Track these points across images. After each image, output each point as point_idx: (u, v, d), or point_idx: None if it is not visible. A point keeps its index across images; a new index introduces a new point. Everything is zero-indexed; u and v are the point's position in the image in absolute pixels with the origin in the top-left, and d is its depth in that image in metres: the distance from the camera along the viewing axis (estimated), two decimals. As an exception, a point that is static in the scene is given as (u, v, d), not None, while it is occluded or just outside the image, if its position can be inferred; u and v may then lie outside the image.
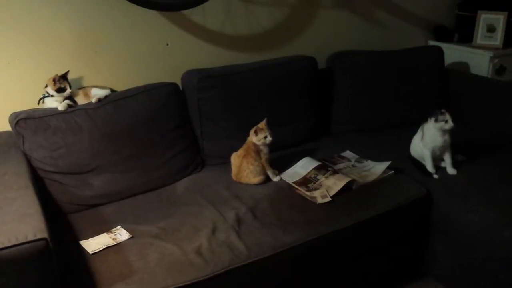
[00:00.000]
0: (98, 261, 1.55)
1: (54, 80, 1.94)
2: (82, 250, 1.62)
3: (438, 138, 2.06)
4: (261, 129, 2.02)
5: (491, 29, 2.94)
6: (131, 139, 2.01)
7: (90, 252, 1.59)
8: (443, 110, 2.04)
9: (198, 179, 2.12)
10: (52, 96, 1.96)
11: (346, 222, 1.80)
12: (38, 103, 1.99)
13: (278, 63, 2.41)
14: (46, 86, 1.97)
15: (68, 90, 1.97)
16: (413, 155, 2.20)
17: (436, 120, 2.05)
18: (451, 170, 2.10)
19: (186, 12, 2.29)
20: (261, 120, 2.06)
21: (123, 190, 1.98)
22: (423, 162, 2.13)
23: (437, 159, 2.13)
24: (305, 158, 2.17)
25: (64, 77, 1.97)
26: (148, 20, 2.23)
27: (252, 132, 2.05)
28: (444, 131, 2.04)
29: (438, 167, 2.13)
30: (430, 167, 2.09)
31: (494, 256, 1.81)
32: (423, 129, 2.12)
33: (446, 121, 2.02)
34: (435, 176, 2.08)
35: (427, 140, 2.08)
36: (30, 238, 1.29)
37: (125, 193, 1.98)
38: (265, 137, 2.02)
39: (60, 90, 1.95)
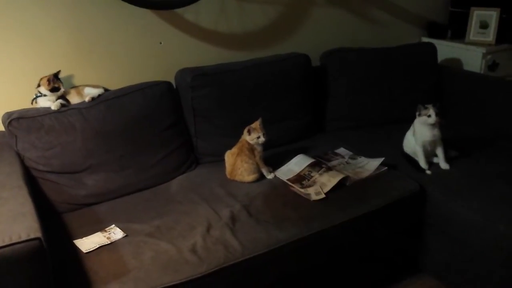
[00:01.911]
0: (92, 260, 1.55)
1: (48, 80, 1.94)
2: (76, 249, 1.61)
3: (426, 132, 2.07)
4: (254, 129, 2.03)
5: (484, 25, 2.95)
6: (125, 138, 2.01)
7: (84, 251, 1.59)
8: (427, 105, 2.05)
9: (192, 177, 2.12)
10: (44, 95, 1.95)
11: (340, 218, 1.81)
12: (32, 103, 1.99)
13: (272, 60, 2.41)
14: (39, 85, 1.96)
15: (62, 90, 1.96)
16: (406, 151, 2.21)
17: (419, 115, 2.06)
18: (444, 165, 2.11)
19: (179, 10, 2.28)
20: (255, 118, 2.06)
21: (117, 189, 1.97)
22: (416, 158, 2.14)
23: (429, 155, 2.13)
24: (299, 155, 2.18)
25: (56, 76, 1.97)
26: (141, 19, 2.22)
27: (245, 131, 2.05)
28: (432, 126, 2.05)
29: (431, 163, 2.14)
30: (422, 163, 2.10)
31: (489, 251, 1.82)
32: (414, 125, 2.13)
33: (429, 116, 2.03)
34: (428, 172, 2.09)
35: (417, 135, 2.09)
36: (23, 237, 1.29)
37: (119, 192, 1.98)
38: (258, 137, 2.02)
39: (54, 90, 1.95)
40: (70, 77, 2.13)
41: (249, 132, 2.03)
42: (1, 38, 1.95)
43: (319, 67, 2.60)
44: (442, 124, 2.07)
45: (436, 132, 2.07)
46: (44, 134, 1.87)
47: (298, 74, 2.43)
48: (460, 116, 2.64)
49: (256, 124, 2.04)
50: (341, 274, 2.00)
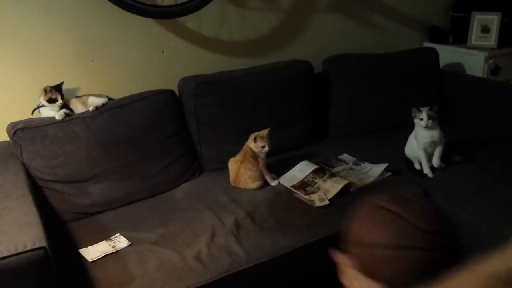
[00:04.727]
0: (97, 269, 1.56)
1: (45, 90, 1.96)
2: (81, 258, 1.62)
3: (425, 134, 2.07)
4: (262, 138, 2.03)
5: (485, 29, 2.96)
6: (129, 147, 2.02)
7: (90, 260, 1.60)
8: (421, 108, 2.06)
9: (196, 185, 2.13)
10: (46, 106, 1.97)
11: (344, 225, 1.80)
12: (32, 113, 2.00)
13: (274, 68, 2.42)
14: (41, 96, 1.97)
15: (60, 101, 1.97)
16: (407, 154, 2.20)
17: (414, 117, 2.08)
18: (436, 162, 2.10)
19: (181, 19, 2.30)
20: (258, 125, 2.07)
21: (122, 197, 1.98)
22: (417, 162, 2.14)
23: (431, 158, 2.12)
24: (302, 162, 2.18)
25: (57, 88, 1.98)
26: (143, 28, 2.24)
27: (251, 138, 2.05)
28: (429, 127, 2.05)
29: (434, 168, 2.13)
30: (426, 168, 2.10)
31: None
32: (415, 127, 2.13)
33: (421, 119, 2.04)
34: (430, 175, 2.09)
35: (418, 138, 2.10)
36: (29, 247, 1.30)
37: (124, 200, 1.99)
38: (263, 146, 2.03)
39: (51, 101, 1.96)
40: (74, 86, 2.14)
41: (255, 140, 2.04)
42: (5, 49, 1.97)
43: (321, 73, 2.61)
44: (434, 126, 2.07)
45: (435, 133, 2.07)
46: (49, 144, 1.88)
47: (300, 81, 2.44)
48: (463, 121, 2.64)
49: (264, 133, 2.05)
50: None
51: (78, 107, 2.04)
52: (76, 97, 2.10)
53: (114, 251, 1.65)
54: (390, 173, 2.09)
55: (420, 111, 2.06)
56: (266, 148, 2.03)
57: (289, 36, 2.68)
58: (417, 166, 2.15)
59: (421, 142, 2.08)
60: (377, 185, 2.03)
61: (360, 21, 2.89)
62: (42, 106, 1.98)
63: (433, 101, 2.59)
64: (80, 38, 2.12)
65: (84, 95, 2.11)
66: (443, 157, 2.12)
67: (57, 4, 2.02)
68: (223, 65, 2.43)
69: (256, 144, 2.03)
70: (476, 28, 2.98)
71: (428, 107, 2.06)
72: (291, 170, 2.15)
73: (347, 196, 1.95)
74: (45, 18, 2.02)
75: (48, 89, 1.96)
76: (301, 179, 2.08)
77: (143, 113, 2.07)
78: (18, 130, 1.86)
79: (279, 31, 2.62)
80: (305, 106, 2.48)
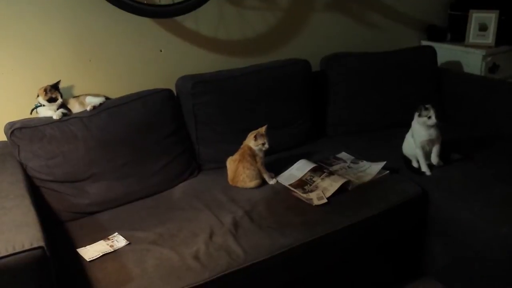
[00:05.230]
0: (95, 269, 1.55)
1: (45, 90, 1.96)
2: (79, 257, 1.62)
3: (423, 132, 2.07)
4: (261, 135, 2.03)
5: (483, 27, 2.96)
6: (127, 146, 2.01)
7: (88, 260, 1.60)
8: (427, 106, 2.05)
9: (194, 184, 2.13)
10: (44, 105, 1.97)
11: (342, 223, 1.81)
12: (31, 113, 2.00)
13: (272, 66, 2.42)
14: (38, 96, 1.97)
15: (59, 100, 1.97)
16: (405, 153, 2.20)
17: (419, 115, 2.06)
18: (435, 160, 2.10)
19: (179, 18, 2.30)
20: (256, 124, 2.07)
21: (120, 197, 1.98)
22: (415, 160, 2.15)
23: (429, 156, 2.13)
24: (300, 161, 2.18)
25: (55, 86, 1.98)
26: (141, 27, 2.24)
27: (251, 136, 2.05)
28: (429, 126, 2.05)
29: (432, 166, 2.13)
30: (424, 166, 2.10)
31: (492, 253, 1.81)
32: (412, 125, 2.13)
33: (429, 117, 2.03)
34: (428, 173, 2.09)
35: (415, 136, 2.09)
36: (26, 247, 1.30)
37: (122, 200, 1.98)
38: (263, 143, 2.03)
39: (51, 100, 1.96)
40: (71, 86, 2.14)
41: (255, 138, 2.03)
42: (2, 49, 1.97)
43: (319, 72, 2.61)
44: (439, 125, 2.07)
45: (432, 131, 2.06)
46: (46, 144, 1.88)
47: (298, 80, 2.44)
48: (461, 119, 2.64)
49: (263, 130, 2.05)
50: (344, 278, 2.00)
51: (75, 107, 2.04)
52: (74, 96, 2.09)
53: (112, 250, 1.65)
54: (388, 171, 2.09)
55: (427, 109, 2.03)
56: (266, 145, 2.03)
57: (287, 34, 2.68)
58: (415, 164, 2.15)
59: (418, 140, 2.08)
60: (375, 184, 2.03)
61: (358, 20, 2.89)
62: (40, 105, 1.97)
63: (431, 99, 2.60)
64: (78, 37, 2.11)
65: (82, 94, 2.10)
66: (441, 155, 2.12)
67: (54, 4, 2.02)
68: (221, 64, 2.43)
69: (257, 142, 2.03)
70: (474, 26, 2.98)
71: (431, 105, 2.05)
72: (289, 169, 2.15)
73: (345, 195, 1.95)
74: (42, 17, 2.01)
75: (48, 89, 1.96)
76: (299, 177, 2.08)
77: (141, 113, 2.06)
78: (15, 130, 1.86)
79: (277, 29, 2.62)
80: (303, 104, 2.47)
